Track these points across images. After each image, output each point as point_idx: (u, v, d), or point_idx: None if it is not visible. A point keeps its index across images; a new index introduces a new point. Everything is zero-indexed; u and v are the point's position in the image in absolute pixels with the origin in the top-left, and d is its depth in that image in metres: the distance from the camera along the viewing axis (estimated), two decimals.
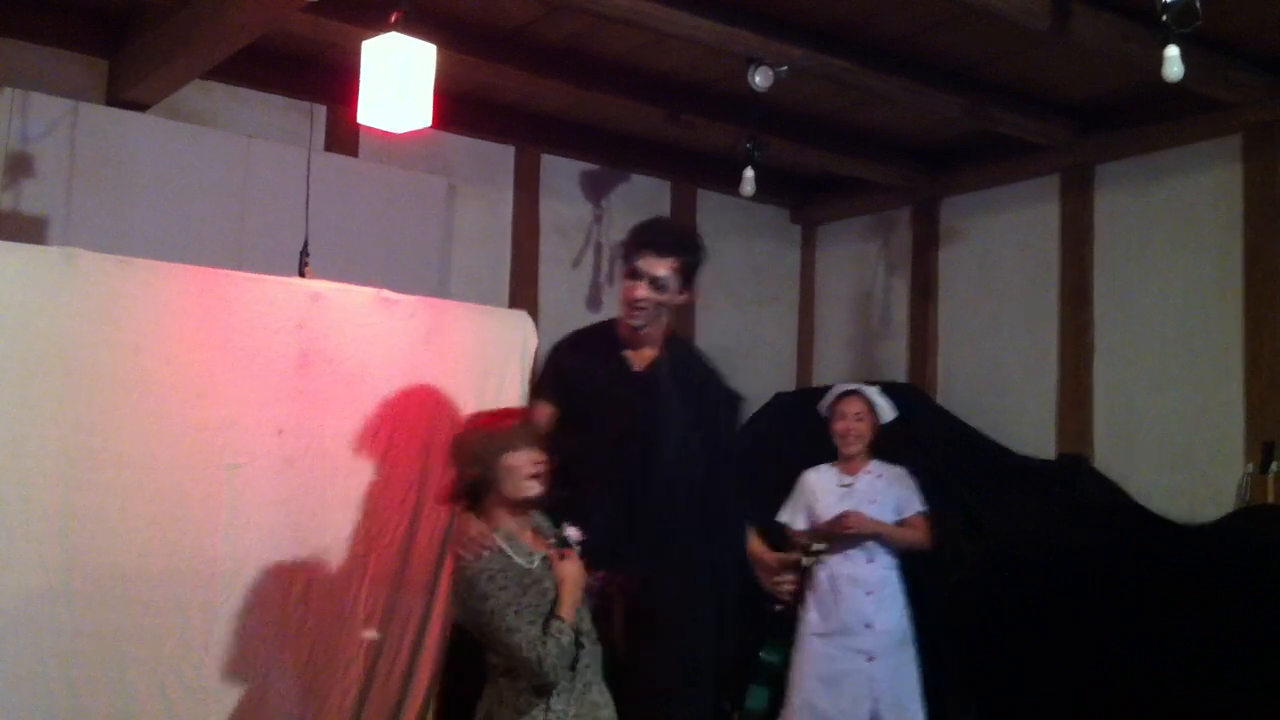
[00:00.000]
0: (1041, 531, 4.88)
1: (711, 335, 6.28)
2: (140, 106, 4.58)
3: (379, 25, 3.52)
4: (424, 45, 3.49)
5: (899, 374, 6.06)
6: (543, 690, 2.71)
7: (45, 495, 3.14)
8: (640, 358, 3.34)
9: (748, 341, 6.50)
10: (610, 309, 4.32)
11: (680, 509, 3.23)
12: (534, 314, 4.77)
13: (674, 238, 3.32)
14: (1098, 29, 4.06)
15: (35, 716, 3.11)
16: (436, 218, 5.27)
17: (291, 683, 3.56)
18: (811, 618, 4.45)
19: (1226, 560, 4.37)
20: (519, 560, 2.76)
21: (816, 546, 4.28)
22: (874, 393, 4.65)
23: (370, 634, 3.69)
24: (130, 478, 3.28)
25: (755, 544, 3.62)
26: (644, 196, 6.07)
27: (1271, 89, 4.62)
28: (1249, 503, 4.65)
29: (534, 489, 2.84)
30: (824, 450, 4.68)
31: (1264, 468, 4.60)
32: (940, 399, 5.85)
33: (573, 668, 2.75)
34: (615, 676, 2.90)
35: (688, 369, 3.42)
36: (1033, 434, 5.43)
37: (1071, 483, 5.13)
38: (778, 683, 4.47)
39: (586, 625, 2.83)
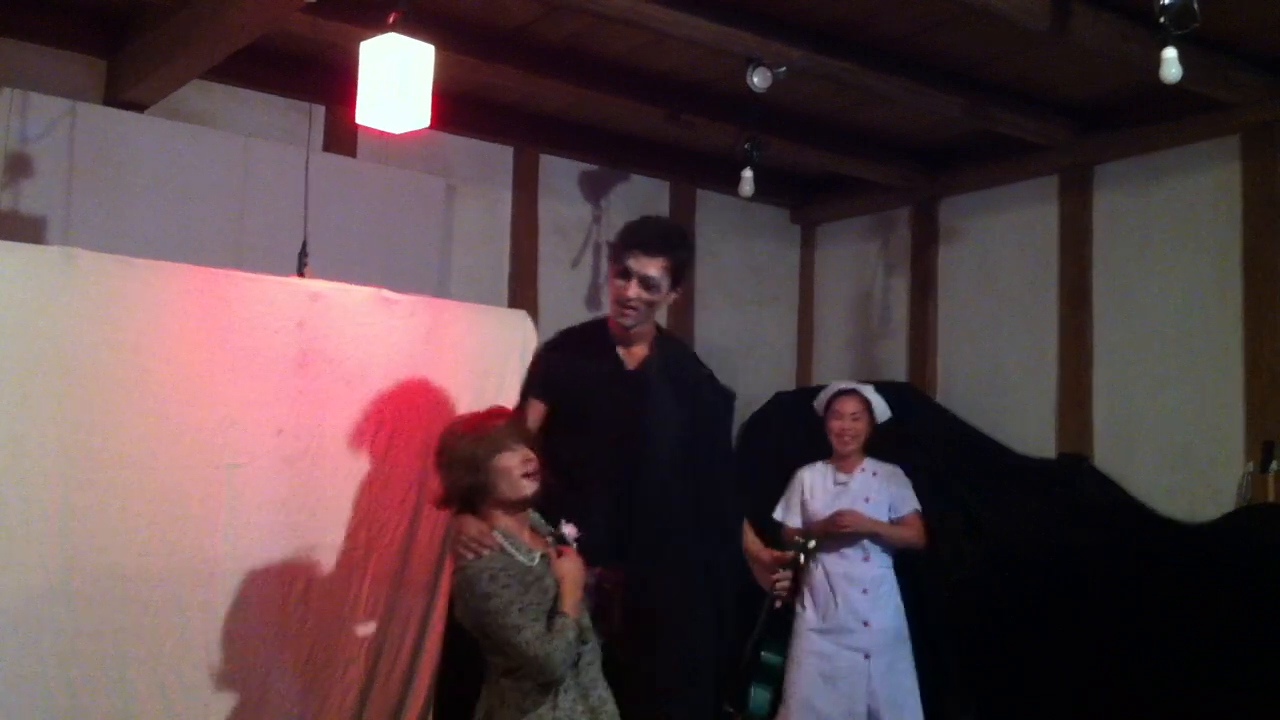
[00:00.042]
0: (1041, 531, 4.88)
1: (711, 335, 6.29)
2: (139, 107, 4.58)
3: (377, 25, 3.51)
4: (422, 45, 3.49)
5: (899, 374, 6.07)
6: (548, 688, 2.70)
7: (45, 495, 3.14)
8: (632, 356, 3.34)
9: (748, 341, 6.50)
10: None
11: (676, 507, 3.23)
12: (533, 314, 4.77)
13: (664, 237, 3.31)
14: (1098, 29, 4.06)
15: (35, 716, 3.11)
16: (435, 218, 5.27)
17: (291, 683, 3.56)
18: (808, 616, 4.46)
19: (1227, 559, 4.37)
20: (520, 558, 2.75)
21: (811, 543, 4.28)
22: (870, 391, 4.65)
23: (366, 630, 3.69)
24: (130, 477, 3.28)
25: (751, 541, 3.63)
26: (643, 197, 6.07)
27: (1271, 89, 4.62)
28: (1249, 502, 4.65)
29: (529, 488, 2.83)
30: (824, 450, 4.68)
31: (1264, 467, 4.61)
32: (940, 399, 5.86)
33: (575, 665, 2.75)
34: (615, 676, 2.90)
35: (679, 367, 3.42)
36: (1033, 433, 5.43)
37: (1071, 482, 5.13)
38: (780, 683, 4.48)
39: (586, 623, 2.83)
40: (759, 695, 4.10)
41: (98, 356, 3.25)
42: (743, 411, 6.12)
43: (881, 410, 4.64)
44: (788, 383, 6.48)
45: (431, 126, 3.72)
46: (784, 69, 4.41)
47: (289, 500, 3.57)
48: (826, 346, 6.61)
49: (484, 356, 3.93)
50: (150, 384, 3.33)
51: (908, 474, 4.66)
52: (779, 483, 4.77)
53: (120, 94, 4.53)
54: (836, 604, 4.44)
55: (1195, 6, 3.47)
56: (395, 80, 3.46)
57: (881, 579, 4.50)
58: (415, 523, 3.77)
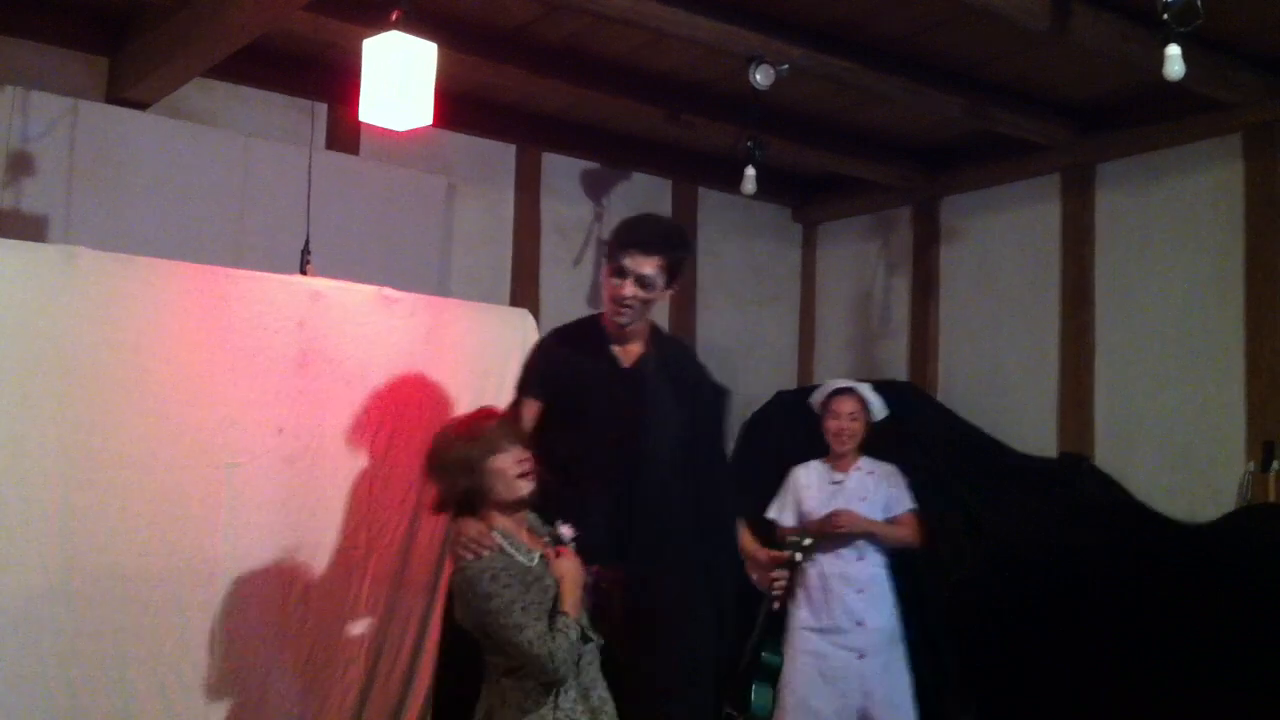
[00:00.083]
0: (1042, 531, 4.88)
1: (712, 334, 6.29)
2: (141, 105, 4.58)
3: (379, 24, 3.51)
4: (425, 44, 3.49)
5: (899, 373, 6.06)
6: (550, 688, 2.70)
7: (45, 495, 3.14)
8: (627, 354, 3.34)
9: (748, 341, 6.50)
10: None
11: (675, 506, 3.23)
12: (535, 313, 4.77)
13: (660, 236, 3.30)
14: (1098, 29, 4.06)
15: (35, 716, 3.11)
16: (437, 217, 5.27)
17: (291, 683, 3.56)
18: (802, 615, 4.46)
19: (1227, 559, 4.37)
20: (520, 558, 2.75)
21: (808, 542, 4.28)
22: (867, 390, 4.65)
23: (366, 630, 3.69)
24: (130, 477, 3.29)
25: (748, 540, 3.63)
26: (645, 196, 6.07)
27: (1271, 89, 4.62)
28: (1250, 502, 4.65)
29: (525, 488, 2.83)
30: (824, 449, 4.68)
31: (1264, 467, 4.61)
32: (941, 398, 5.85)
33: (576, 665, 2.75)
34: (615, 676, 2.90)
35: (675, 364, 3.42)
36: (1033, 433, 5.43)
37: (1072, 482, 5.13)
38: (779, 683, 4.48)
39: (584, 622, 2.83)
40: (761, 696, 4.10)
41: (98, 356, 3.25)
42: (743, 411, 6.12)
43: (879, 409, 4.64)
44: (789, 382, 6.48)
45: (433, 125, 3.72)
46: (786, 66, 4.41)
47: (289, 500, 3.58)
48: (827, 346, 6.61)
49: (485, 355, 3.93)
50: (150, 383, 3.34)
51: (906, 473, 4.66)
52: (779, 482, 4.77)
53: (122, 92, 4.53)
54: (831, 604, 4.44)
55: (1198, 3, 3.47)
56: (398, 78, 3.46)
57: (876, 578, 4.50)
58: (415, 522, 3.77)
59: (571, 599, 2.75)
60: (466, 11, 4.38)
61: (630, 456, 3.19)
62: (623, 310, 3.25)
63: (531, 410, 3.27)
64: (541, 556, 2.81)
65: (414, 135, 3.99)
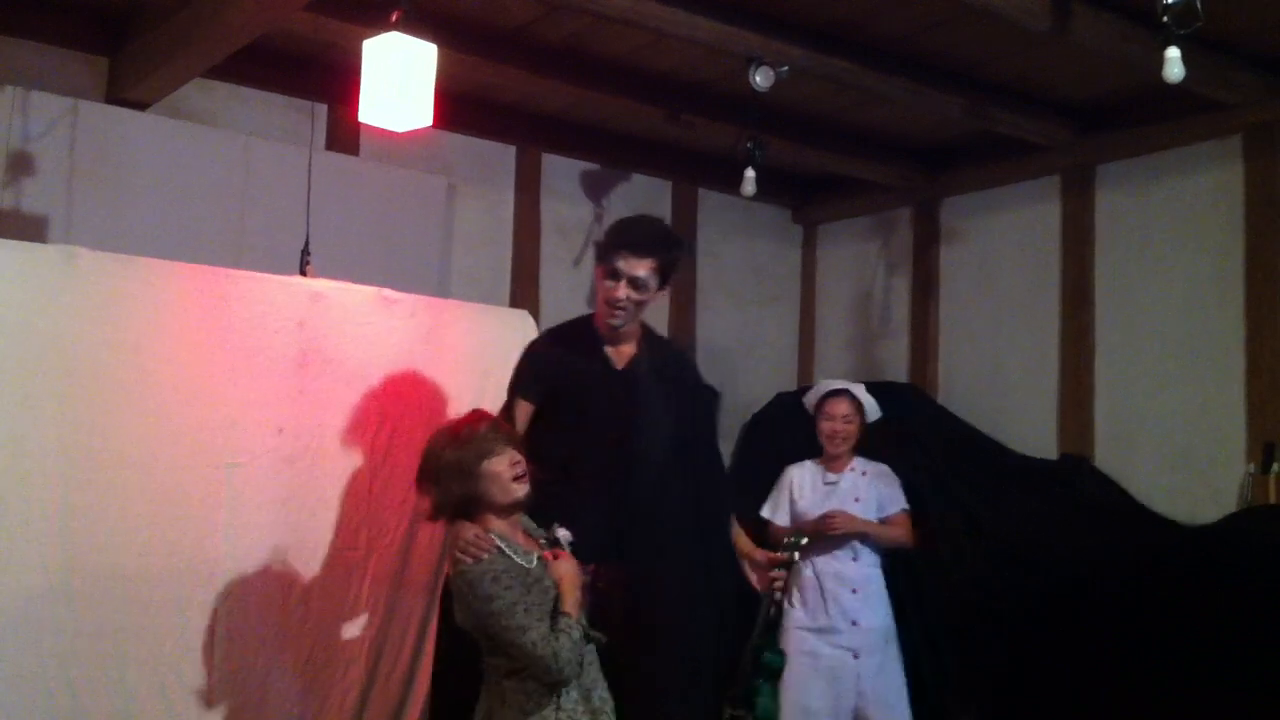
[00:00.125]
0: (1042, 532, 4.88)
1: (713, 335, 6.29)
2: (141, 105, 4.58)
3: (379, 24, 3.51)
4: (425, 45, 3.49)
5: (900, 374, 6.06)
6: (553, 688, 2.69)
7: (45, 495, 3.14)
8: (620, 355, 3.35)
9: (748, 341, 6.50)
10: None
11: (674, 506, 3.23)
12: (535, 314, 4.77)
13: (653, 238, 3.31)
14: (1098, 29, 4.06)
15: (35, 716, 3.12)
16: (437, 217, 5.27)
17: (291, 683, 3.56)
18: (797, 615, 4.47)
19: (1227, 561, 4.36)
20: (518, 560, 2.75)
21: (805, 541, 4.29)
22: (861, 391, 4.65)
23: (366, 630, 3.69)
24: (130, 477, 3.29)
25: (745, 541, 3.63)
26: (645, 196, 6.07)
27: (1272, 89, 4.62)
28: (1250, 503, 4.65)
29: (520, 491, 2.81)
30: (823, 449, 4.69)
31: (1265, 468, 4.60)
32: (941, 399, 5.85)
33: (579, 665, 2.74)
34: (615, 676, 2.90)
35: (667, 365, 3.43)
36: (1033, 434, 5.43)
37: (1072, 483, 5.12)
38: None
39: (584, 623, 2.83)
40: (767, 698, 4.11)
41: (98, 356, 3.25)
42: (743, 412, 6.13)
43: (872, 410, 4.64)
44: (789, 383, 6.48)
45: (433, 126, 3.72)
46: (786, 68, 4.41)
47: (289, 500, 3.58)
48: (827, 347, 6.61)
49: (485, 356, 3.93)
50: (151, 383, 3.34)
51: (906, 474, 4.66)
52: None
53: (122, 93, 4.53)
54: (826, 603, 4.45)
55: (1198, 6, 3.47)
56: (398, 79, 3.46)
57: (871, 578, 4.52)
58: (415, 523, 3.77)
59: (572, 599, 2.75)
60: (466, 12, 4.38)
61: (624, 457, 3.19)
62: (616, 312, 3.25)
63: (524, 412, 3.27)
64: (539, 558, 2.81)
65: (414, 136, 3.99)
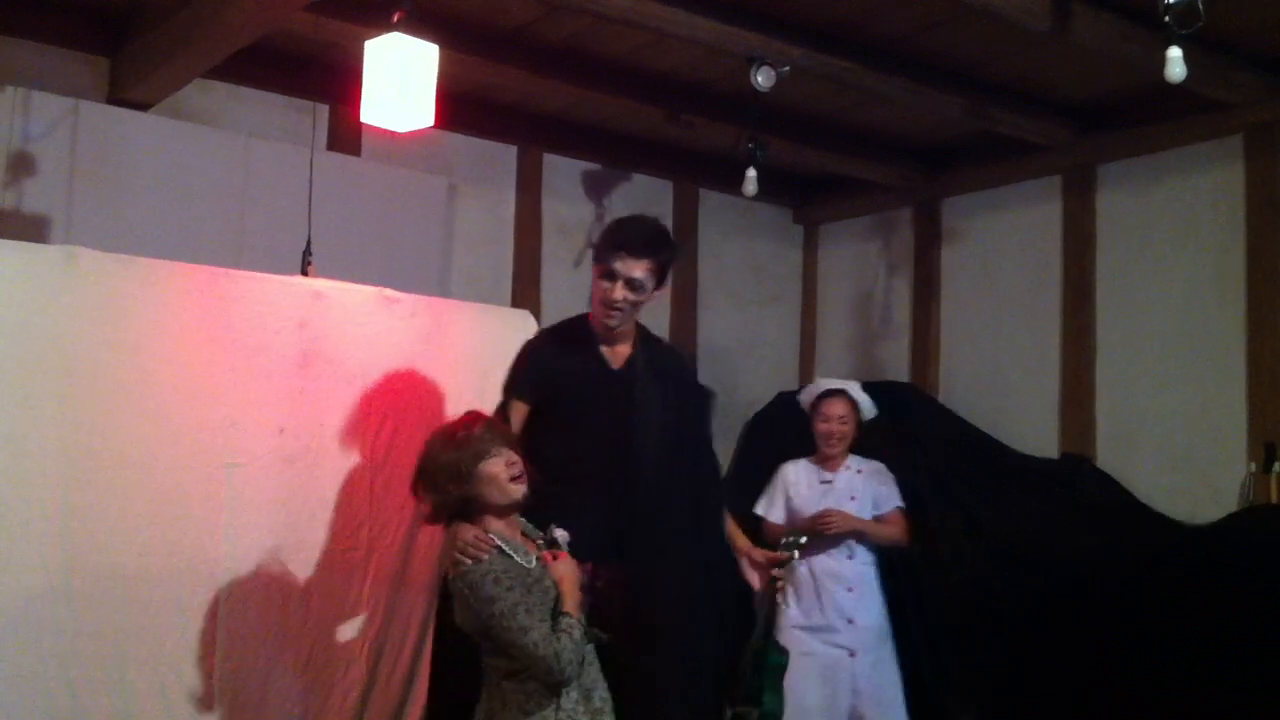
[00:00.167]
0: (1042, 531, 4.88)
1: (713, 335, 6.29)
2: (142, 106, 4.58)
3: (380, 25, 3.51)
4: (426, 45, 3.49)
5: (901, 374, 6.06)
6: (554, 689, 2.69)
7: (45, 495, 3.14)
8: (616, 355, 3.35)
9: (749, 341, 6.50)
10: None
11: (674, 506, 3.23)
12: (536, 314, 4.77)
13: (649, 239, 3.31)
14: (1098, 29, 4.06)
15: (35, 716, 3.11)
16: (438, 217, 5.27)
17: (292, 683, 3.56)
18: (792, 614, 4.47)
19: (1228, 560, 4.37)
20: (518, 560, 2.75)
21: (803, 540, 4.29)
22: (856, 390, 4.66)
23: (367, 630, 3.69)
24: (130, 477, 3.29)
25: (743, 541, 3.63)
26: (646, 197, 6.07)
27: (1272, 89, 4.62)
28: (1251, 503, 4.65)
29: (518, 491, 2.81)
30: None
31: (1266, 467, 4.61)
32: (942, 398, 5.85)
33: (580, 665, 2.74)
34: (615, 676, 2.90)
35: (662, 364, 3.44)
36: (1034, 434, 5.43)
37: (1073, 482, 5.12)
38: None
39: (584, 623, 2.83)
40: (773, 698, 4.11)
41: (98, 356, 3.25)
42: (744, 411, 6.13)
43: (868, 409, 4.65)
44: (789, 383, 6.47)
45: (434, 126, 3.72)
46: (787, 68, 4.41)
47: (290, 500, 3.57)
48: (828, 347, 6.61)
49: (486, 356, 3.92)
50: (151, 384, 3.33)
51: (907, 473, 4.66)
52: None
53: (123, 93, 4.54)
54: (821, 602, 4.46)
55: (1199, 6, 3.47)
56: (399, 79, 3.46)
57: (866, 576, 4.52)
58: (416, 523, 3.75)
59: (572, 600, 2.75)
60: (467, 12, 4.38)
61: (621, 457, 3.19)
62: (612, 313, 3.26)
63: (519, 413, 3.27)
64: (539, 558, 2.81)
65: (415, 136, 4.00)
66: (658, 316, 5.81)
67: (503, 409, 3.29)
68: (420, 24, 3.51)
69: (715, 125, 5.27)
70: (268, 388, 3.55)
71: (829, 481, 4.61)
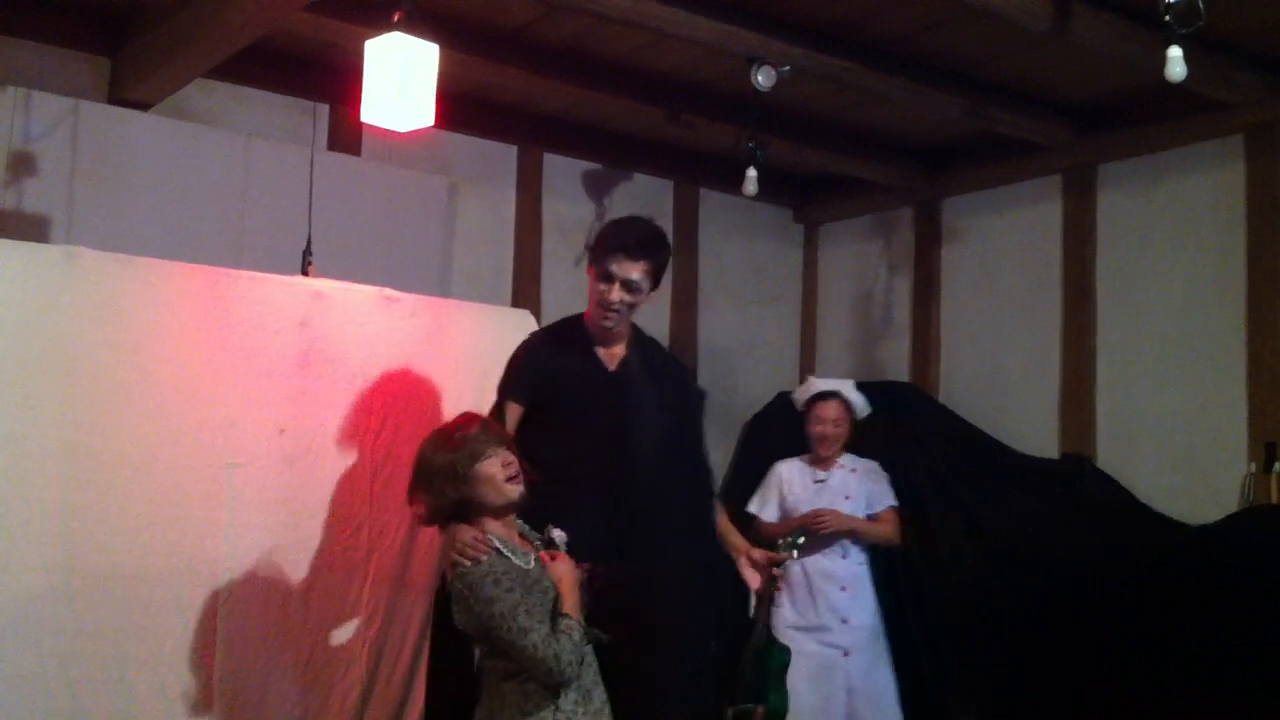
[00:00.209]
0: (1043, 531, 4.88)
1: (713, 335, 6.29)
2: (142, 105, 4.58)
3: (380, 25, 3.51)
4: (427, 45, 3.49)
5: (901, 374, 6.06)
6: (555, 690, 2.69)
7: (45, 495, 3.14)
8: (611, 356, 3.36)
9: (749, 341, 6.50)
10: None
11: (669, 506, 3.24)
12: (537, 313, 4.78)
13: (646, 240, 3.32)
14: (1098, 29, 4.06)
15: (35, 716, 3.12)
16: (438, 217, 5.27)
17: (292, 683, 3.56)
18: (786, 614, 4.47)
19: (1229, 560, 4.36)
20: (517, 561, 2.75)
21: (802, 540, 4.29)
22: (849, 390, 4.67)
23: (367, 631, 3.69)
24: (131, 477, 3.29)
25: (739, 539, 3.64)
26: (646, 196, 6.07)
27: (1272, 89, 4.62)
28: (1251, 503, 4.65)
29: (515, 492, 2.80)
30: None
31: (1266, 468, 4.60)
32: (942, 398, 5.85)
33: (579, 666, 2.74)
34: (615, 676, 2.89)
35: (657, 365, 3.45)
36: (1034, 434, 5.43)
37: (1073, 482, 5.13)
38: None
39: (583, 624, 2.82)
40: (778, 695, 4.12)
41: (99, 356, 3.26)
42: (743, 412, 6.13)
43: (862, 408, 4.66)
44: (789, 383, 6.47)
45: (435, 126, 3.72)
46: (788, 68, 4.41)
47: (290, 500, 3.58)
48: (829, 346, 6.61)
49: (486, 355, 3.92)
50: (151, 384, 3.34)
51: (907, 473, 4.67)
52: None
53: (123, 93, 4.54)
54: (815, 601, 4.46)
55: (1200, 5, 3.47)
56: (399, 79, 3.46)
57: (859, 575, 4.53)
58: (416, 524, 3.76)
59: (571, 601, 2.75)
60: (467, 12, 4.38)
61: (618, 458, 3.20)
62: (610, 315, 3.27)
63: (514, 414, 3.27)
64: (536, 559, 2.81)
65: (415, 136, 3.99)
66: (658, 316, 5.82)
67: (497, 410, 3.29)
68: (420, 24, 3.51)
69: (715, 125, 5.27)
70: (268, 388, 3.55)
71: (823, 480, 4.62)
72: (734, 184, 5.05)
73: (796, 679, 4.35)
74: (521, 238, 5.70)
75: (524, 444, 3.01)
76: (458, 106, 4.85)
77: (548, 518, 2.93)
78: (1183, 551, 4.54)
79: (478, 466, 2.78)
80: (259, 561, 3.50)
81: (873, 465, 4.67)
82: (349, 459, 3.70)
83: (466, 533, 2.76)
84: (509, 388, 3.33)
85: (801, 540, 4.27)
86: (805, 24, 4.36)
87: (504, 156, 5.69)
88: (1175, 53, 3.57)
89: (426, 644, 3.79)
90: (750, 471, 5.32)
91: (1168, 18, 3.53)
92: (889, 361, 6.18)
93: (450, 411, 3.70)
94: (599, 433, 3.22)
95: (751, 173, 4.91)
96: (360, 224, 4.87)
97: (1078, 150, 5.37)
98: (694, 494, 3.36)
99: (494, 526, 2.79)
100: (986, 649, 4.80)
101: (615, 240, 3.29)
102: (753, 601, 3.70)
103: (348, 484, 3.69)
